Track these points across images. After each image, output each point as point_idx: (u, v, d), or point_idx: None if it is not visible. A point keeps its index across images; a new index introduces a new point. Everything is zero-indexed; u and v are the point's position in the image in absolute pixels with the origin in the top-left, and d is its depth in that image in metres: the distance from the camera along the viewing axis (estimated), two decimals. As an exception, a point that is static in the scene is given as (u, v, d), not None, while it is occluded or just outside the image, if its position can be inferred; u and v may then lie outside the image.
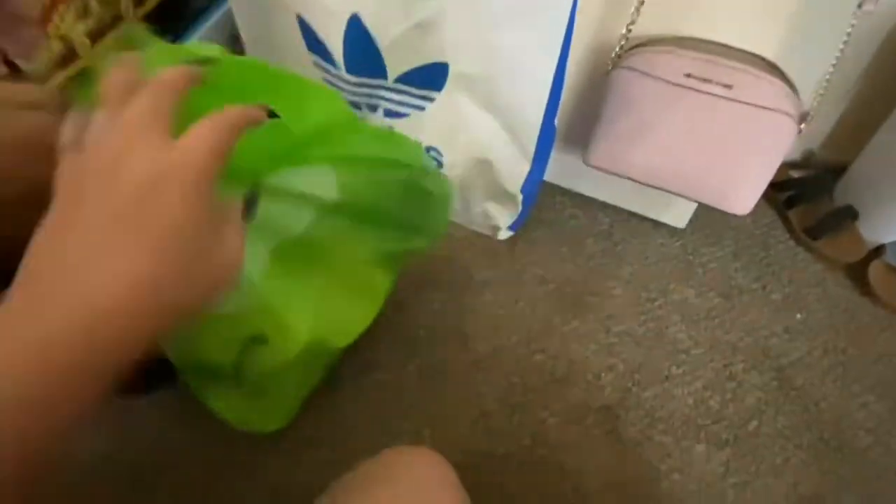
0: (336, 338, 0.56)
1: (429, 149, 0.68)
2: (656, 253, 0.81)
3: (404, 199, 0.49)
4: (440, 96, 0.61)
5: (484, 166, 0.67)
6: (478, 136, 0.64)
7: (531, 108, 0.57)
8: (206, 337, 0.48)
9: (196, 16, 0.73)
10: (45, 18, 0.56)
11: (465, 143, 0.65)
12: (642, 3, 0.56)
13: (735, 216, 0.63)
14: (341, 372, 0.64)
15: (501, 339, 0.71)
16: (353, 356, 0.63)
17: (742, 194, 0.61)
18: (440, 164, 0.69)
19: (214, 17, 0.74)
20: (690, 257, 0.80)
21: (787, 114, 0.55)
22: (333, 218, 0.47)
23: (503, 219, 0.74)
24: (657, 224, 0.82)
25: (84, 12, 0.59)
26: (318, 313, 0.51)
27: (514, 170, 0.66)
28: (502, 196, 0.70)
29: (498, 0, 0.50)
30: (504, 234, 0.78)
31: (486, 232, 0.79)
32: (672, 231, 0.82)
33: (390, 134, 0.60)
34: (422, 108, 0.63)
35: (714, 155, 0.59)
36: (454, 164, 0.68)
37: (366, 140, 0.42)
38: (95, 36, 0.62)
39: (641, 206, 0.81)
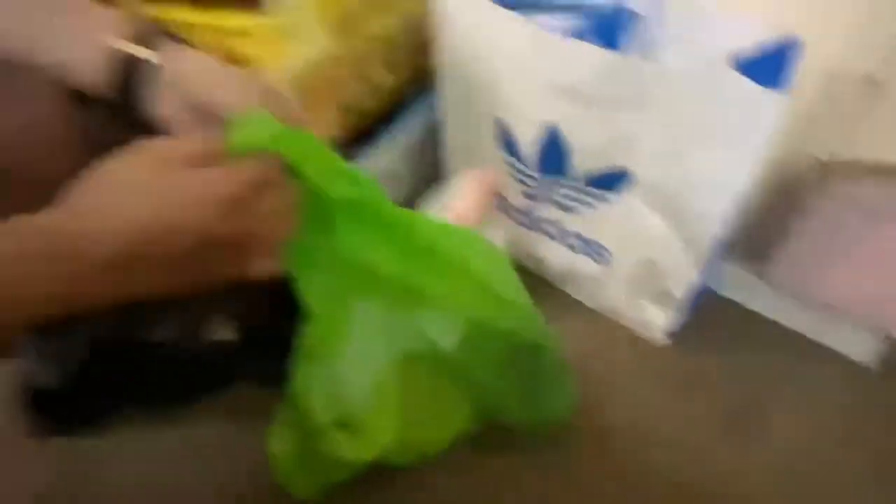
0: (409, 451, 0.54)
1: (593, 243, 0.72)
2: (835, 388, 0.73)
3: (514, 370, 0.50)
4: (615, 197, 0.65)
5: (649, 266, 0.68)
6: (647, 238, 0.66)
7: (712, 220, 0.58)
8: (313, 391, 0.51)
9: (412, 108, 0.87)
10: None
11: (633, 242, 0.67)
12: (855, 117, 0.56)
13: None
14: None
15: (644, 442, 0.68)
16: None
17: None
18: (605, 261, 0.72)
19: (424, 109, 0.88)
20: (875, 398, 0.71)
21: None
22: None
23: (661, 321, 0.74)
24: (839, 356, 0.74)
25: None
26: (404, 425, 0.51)
27: (682, 275, 0.66)
28: (664, 298, 0.70)
29: (697, 118, 0.54)
30: (659, 337, 0.77)
31: (639, 330, 0.79)
32: (857, 368, 0.74)
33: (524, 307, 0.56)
34: (596, 207, 0.68)
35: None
36: (619, 261, 0.71)
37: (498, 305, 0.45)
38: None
39: (822, 334, 0.74)
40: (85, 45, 0.37)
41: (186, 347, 0.72)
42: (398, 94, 0.83)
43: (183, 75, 0.38)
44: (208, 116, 0.37)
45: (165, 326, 0.72)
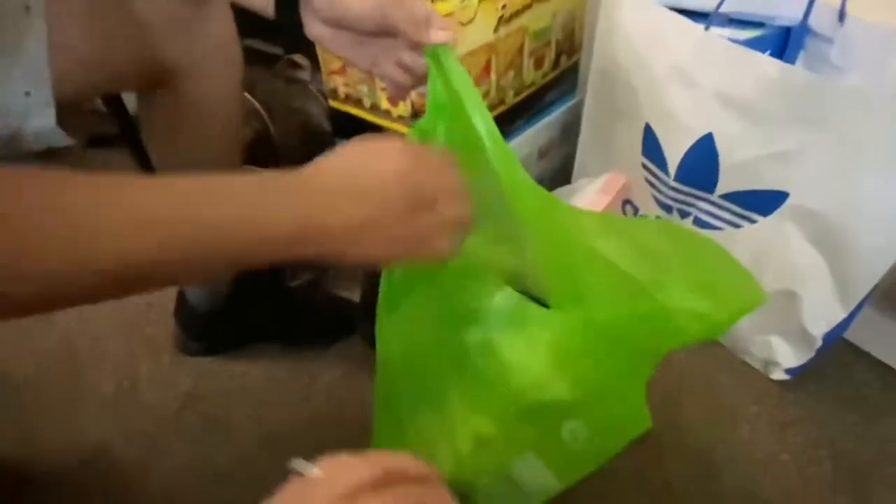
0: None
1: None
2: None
3: None
4: (764, 220, 0.62)
5: (788, 298, 0.64)
6: (793, 268, 0.62)
7: (877, 257, 0.54)
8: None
9: (548, 105, 0.88)
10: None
11: (776, 270, 0.64)
12: None
13: None
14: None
15: (753, 486, 0.65)
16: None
17: None
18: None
19: (561, 108, 0.89)
20: None
21: None
22: None
23: (787, 358, 0.69)
24: None
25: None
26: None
27: (825, 313, 0.62)
28: (797, 335, 0.66)
29: (879, 144, 0.50)
30: (778, 375, 0.72)
31: (756, 365, 0.74)
32: None
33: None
34: (738, 227, 0.65)
35: None
36: (752, 287, 0.67)
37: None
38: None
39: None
40: None
41: (314, 296, 0.79)
42: (539, 90, 0.84)
43: None
44: (349, 32, 0.39)
45: (301, 277, 0.79)
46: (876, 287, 0.60)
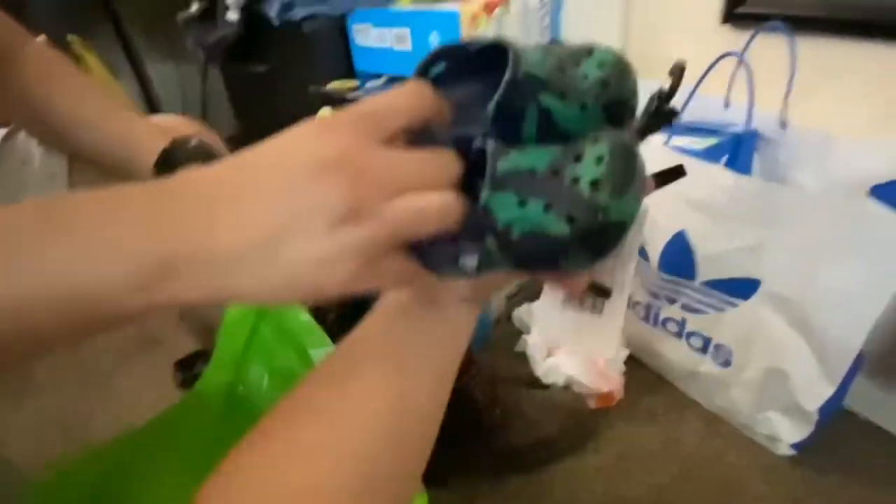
0: None
1: (717, 346, 0.73)
2: None
3: None
4: (745, 304, 0.68)
5: (779, 376, 0.68)
6: (779, 348, 0.67)
7: (851, 337, 0.59)
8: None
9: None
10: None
11: (762, 351, 0.68)
12: None
13: None
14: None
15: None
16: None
17: None
18: (729, 364, 0.73)
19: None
20: None
21: None
22: None
23: (789, 434, 0.71)
24: None
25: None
26: None
27: (814, 389, 0.65)
28: (794, 411, 0.69)
29: (831, 240, 0.57)
30: (784, 450, 0.74)
31: (763, 442, 0.76)
32: None
33: None
34: (722, 310, 0.70)
35: None
36: (744, 366, 0.71)
37: None
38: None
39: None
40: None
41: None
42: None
43: None
44: None
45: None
46: (864, 358, 0.64)
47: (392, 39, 0.76)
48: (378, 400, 0.25)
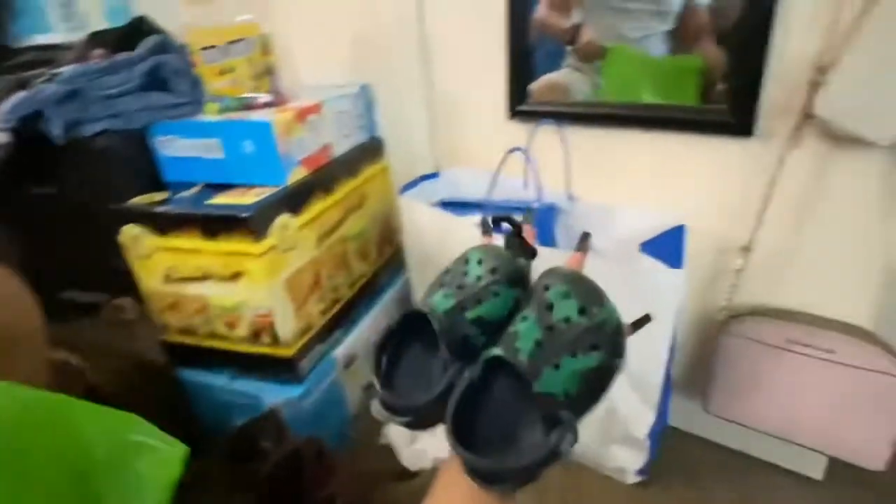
0: None
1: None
2: (795, 505, 0.79)
3: None
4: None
5: (610, 412, 0.77)
6: (606, 388, 0.75)
7: (653, 370, 0.69)
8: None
9: (383, 286, 0.99)
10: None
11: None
12: (738, 275, 0.71)
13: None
14: None
15: None
16: None
17: (871, 450, 0.64)
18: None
19: (395, 286, 0.99)
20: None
21: (892, 374, 0.63)
22: None
23: (631, 462, 0.80)
24: (793, 474, 0.82)
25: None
26: None
27: (640, 419, 0.75)
28: (629, 441, 0.78)
29: (617, 290, 0.67)
30: (632, 478, 0.82)
31: (615, 475, 0.84)
32: (810, 483, 0.81)
33: None
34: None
35: (833, 412, 0.66)
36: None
37: None
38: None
39: (774, 456, 0.83)
40: None
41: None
42: (372, 277, 0.95)
43: None
44: None
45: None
46: (671, 381, 0.75)
47: (202, 149, 0.74)
48: None
